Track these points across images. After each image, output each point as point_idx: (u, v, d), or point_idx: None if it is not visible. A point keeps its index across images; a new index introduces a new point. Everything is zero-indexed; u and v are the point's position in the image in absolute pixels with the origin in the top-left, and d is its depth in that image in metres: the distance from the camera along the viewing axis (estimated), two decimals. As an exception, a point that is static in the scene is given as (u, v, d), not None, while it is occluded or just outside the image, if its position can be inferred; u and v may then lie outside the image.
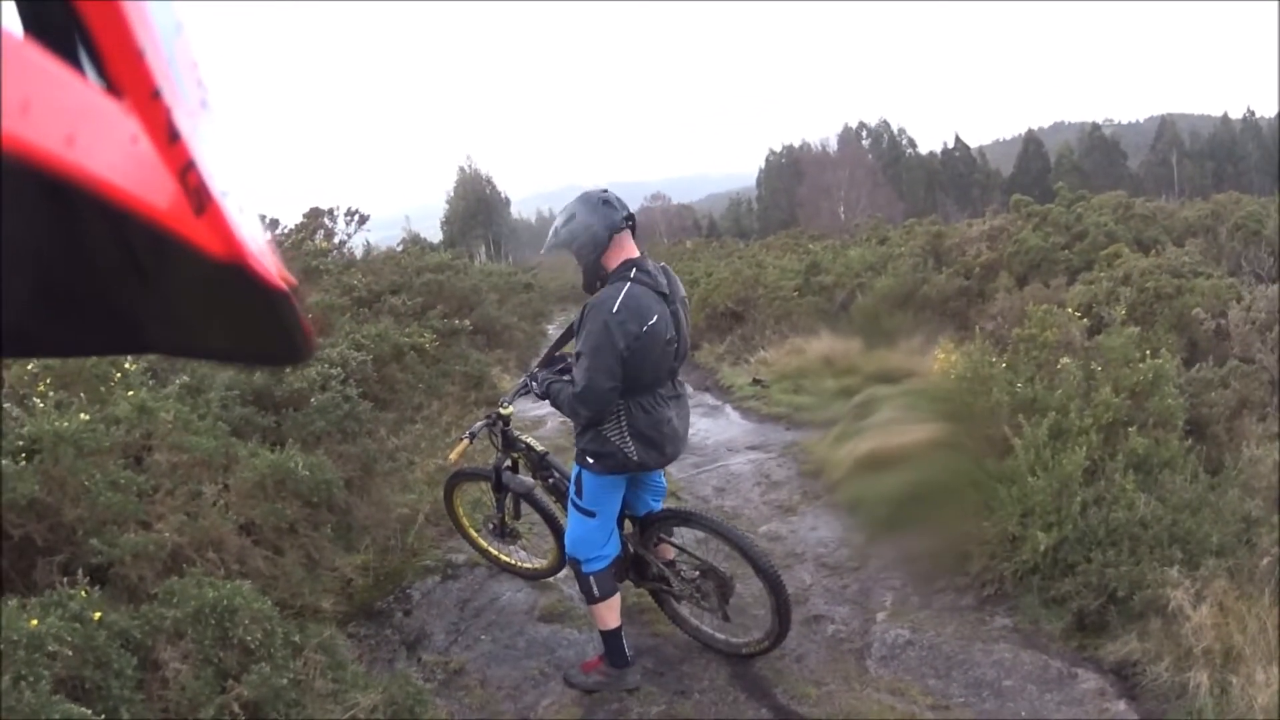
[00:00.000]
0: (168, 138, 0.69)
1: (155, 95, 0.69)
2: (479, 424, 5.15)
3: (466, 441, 5.03)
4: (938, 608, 5.58)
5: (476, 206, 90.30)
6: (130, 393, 5.12)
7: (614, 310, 4.04)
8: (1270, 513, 5.28)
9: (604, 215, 4.24)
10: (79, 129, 0.60)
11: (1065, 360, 6.47)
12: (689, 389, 5.10)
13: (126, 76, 0.68)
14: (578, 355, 4.21)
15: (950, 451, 6.30)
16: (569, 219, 4.30)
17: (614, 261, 4.28)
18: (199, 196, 0.71)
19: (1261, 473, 5.70)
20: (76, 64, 0.68)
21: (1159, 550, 5.00)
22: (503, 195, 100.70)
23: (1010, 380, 6.37)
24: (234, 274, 0.76)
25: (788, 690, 4.77)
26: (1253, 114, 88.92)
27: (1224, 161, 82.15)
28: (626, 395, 4.23)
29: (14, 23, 0.68)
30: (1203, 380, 6.82)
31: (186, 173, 0.70)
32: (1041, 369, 6.59)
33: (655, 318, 4.13)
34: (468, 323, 12.25)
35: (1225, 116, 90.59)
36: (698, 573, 4.92)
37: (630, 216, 4.35)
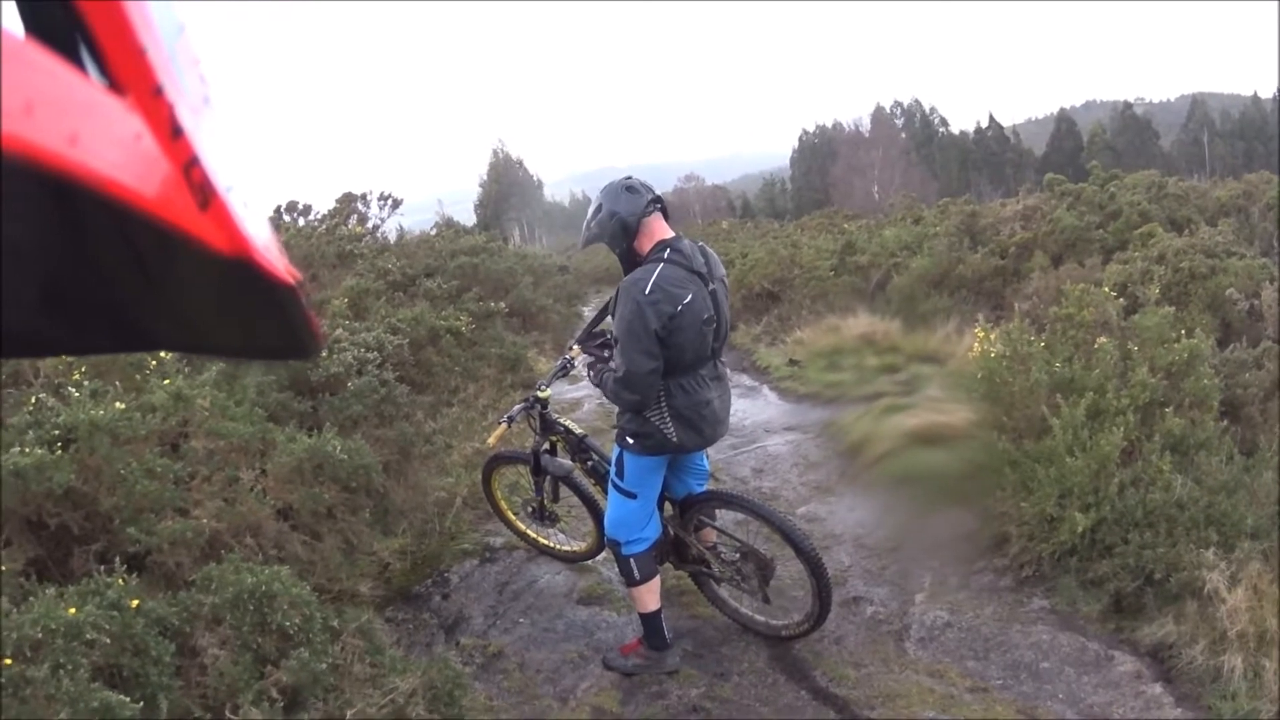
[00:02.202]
0: (171, 134, 0.69)
1: (157, 92, 0.69)
2: (517, 407, 5.15)
3: (504, 425, 5.04)
4: (976, 589, 5.56)
5: (510, 189, 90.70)
6: (166, 380, 5.11)
7: (646, 291, 4.04)
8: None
9: (628, 202, 4.27)
10: (82, 128, 0.61)
11: (1102, 340, 6.40)
12: (730, 369, 5.08)
13: (128, 74, 0.68)
14: (616, 339, 4.19)
15: (989, 432, 6.23)
16: (596, 211, 4.35)
17: (647, 245, 4.29)
18: (203, 192, 0.71)
19: (1295, 455, 5.64)
20: (78, 63, 0.68)
21: (1195, 532, 4.98)
22: (535, 178, 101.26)
23: (1048, 360, 6.31)
24: (239, 269, 0.75)
25: (827, 672, 4.76)
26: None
27: (1254, 141, 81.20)
28: (667, 376, 4.22)
29: (15, 23, 0.68)
30: (1237, 361, 6.78)
31: (190, 169, 0.70)
32: (1079, 349, 6.52)
33: (690, 296, 4.11)
34: (503, 305, 12.25)
35: (1255, 96, 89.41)
36: (738, 555, 4.90)
37: (657, 199, 4.37)
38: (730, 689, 4.64)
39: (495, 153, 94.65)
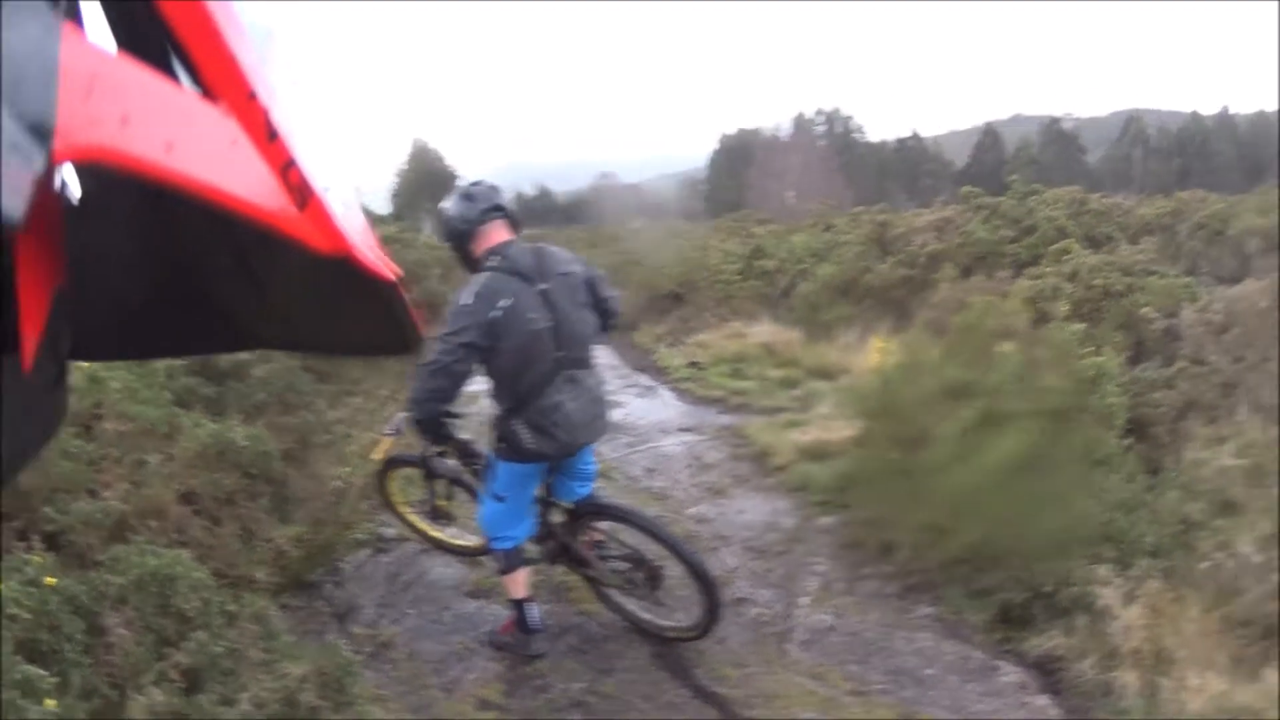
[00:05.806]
0: (267, 137, 0.74)
1: (252, 96, 0.73)
2: (401, 417, 5.13)
3: (390, 439, 5.16)
4: (862, 595, 5.75)
5: (426, 180, 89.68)
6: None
7: (465, 302, 4.17)
8: (1212, 517, 5.39)
9: (464, 208, 4.37)
10: (177, 136, 0.64)
11: (1005, 346, 6.39)
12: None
13: (221, 81, 0.72)
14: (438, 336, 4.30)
15: (880, 445, 6.40)
16: (444, 212, 4.47)
17: (480, 250, 4.38)
18: (301, 193, 0.76)
19: (1204, 476, 5.80)
20: (171, 73, 0.73)
21: (1089, 548, 5.13)
22: (451, 171, 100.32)
23: (940, 365, 6.35)
24: (340, 267, 0.81)
25: (708, 671, 4.93)
26: (1228, 111, 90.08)
27: (1192, 158, 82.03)
28: (512, 383, 4.35)
29: (107, 38, 0.73)
30: (1147, 380, 6.94)
31: (287, 170, 0.75)
32: (978, 354, 6.42)
33: (511, 301, 4.16)
34: (411, 296, 12.25)
35: (1195, 113, 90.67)
36: (628, 564, 5.00)
37: (498, 207, 4.41)
38: (613, 685, 4.80)
39: (414, 143, 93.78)
